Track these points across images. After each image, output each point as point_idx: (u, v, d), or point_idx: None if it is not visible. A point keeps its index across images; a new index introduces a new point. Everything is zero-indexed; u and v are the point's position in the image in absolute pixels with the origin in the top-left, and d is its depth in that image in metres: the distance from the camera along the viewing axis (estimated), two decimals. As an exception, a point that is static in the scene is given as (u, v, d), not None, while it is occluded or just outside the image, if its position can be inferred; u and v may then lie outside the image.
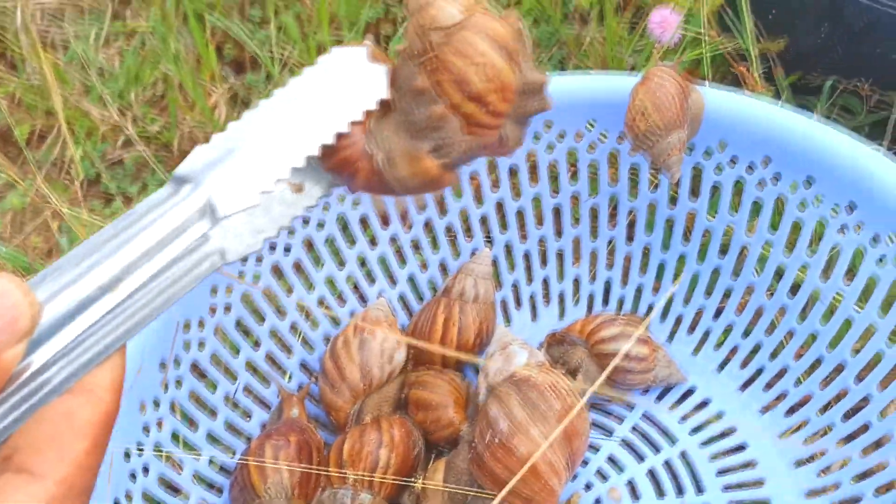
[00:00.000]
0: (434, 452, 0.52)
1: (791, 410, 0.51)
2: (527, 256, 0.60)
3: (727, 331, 0.55)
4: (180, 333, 0.49)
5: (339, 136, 0.28)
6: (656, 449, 0.51)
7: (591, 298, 0.59)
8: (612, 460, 0.51)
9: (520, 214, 0.59)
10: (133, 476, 0.44)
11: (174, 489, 0.48)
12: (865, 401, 0.47)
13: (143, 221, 0.26)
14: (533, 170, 0.57)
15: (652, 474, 0.51)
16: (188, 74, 0.72)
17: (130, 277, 0.26)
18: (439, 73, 0.27)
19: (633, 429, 0.53)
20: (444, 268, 0.60)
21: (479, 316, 0.56)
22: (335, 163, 0.28)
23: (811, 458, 0.49)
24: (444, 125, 0.28)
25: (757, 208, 0.51)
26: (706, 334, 0.56)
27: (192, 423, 0.50)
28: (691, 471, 0.50)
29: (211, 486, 0.50)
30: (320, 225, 0.56)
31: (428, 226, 0.59)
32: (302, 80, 0.28)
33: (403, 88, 0.28)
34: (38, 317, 0.23)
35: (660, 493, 0.50)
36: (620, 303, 0.59)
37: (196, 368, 0.51)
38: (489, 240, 0.60)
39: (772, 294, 0.52)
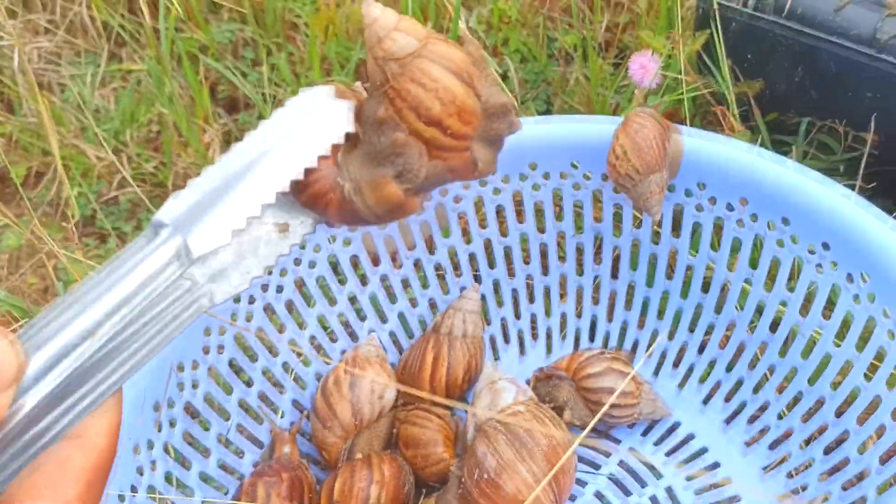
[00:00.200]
0: (424, 489, 0.53)
1: (774, 444, 0.52)
2: (514, 293, 0.61)
3: (711, 365, 0.56)
4: (174, 374, 0.50)
5: (309, 171, 0.29)
6: (642, 484, 0.52)
7: (577, 334, 0.60)
8: (599, 496, 0.52)
9: (507, 252, 0.60)
10: (127, 518, 0.45)
11: (168, 529, 0.48)
12: (845, 435, 0.48)
13: (123, 268, 0.27)
14: (519, 209, 0.59)
15: (638, 509, 0.51)
16: (182, 115, 0.73)
17: (110, 323, 0.27)
18: (397, 101, 0.28)
19: (620, 464, 0.54)
20: (433, 304, 0.61)
21: (468, 353, 0.57)
22: (308, 197, 0.30)
23: (795, 492, 0.50)
24: (406, 151, 0.28)
25: (737, 246, 0.53)
26: (690, 369, 0.57)
27: (185, 463, 0.50)
28: (677, 505, 0.51)
29: (204, 525, 0.51)
30: (312, 265, 0.57)
31: (417, 264, 0.60)
32: (271, 122, 0.29)
33: (368, 121, 0.29)
34: (24, 365, 0.25)
35: (646, 527, 0.51)
36: (606, 338, 0.60)
37: (190, 408, 0.51)
38: (477, 276, 0.61)
39: (753, 329, 0.54)
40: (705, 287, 0.56)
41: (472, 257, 0.60)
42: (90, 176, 0.78)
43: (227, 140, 0.82)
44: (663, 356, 0.58)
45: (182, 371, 0.51)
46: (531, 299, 0.61)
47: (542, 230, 0.59)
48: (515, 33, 0.78)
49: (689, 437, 0.54)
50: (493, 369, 0.55)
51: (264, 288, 0.55)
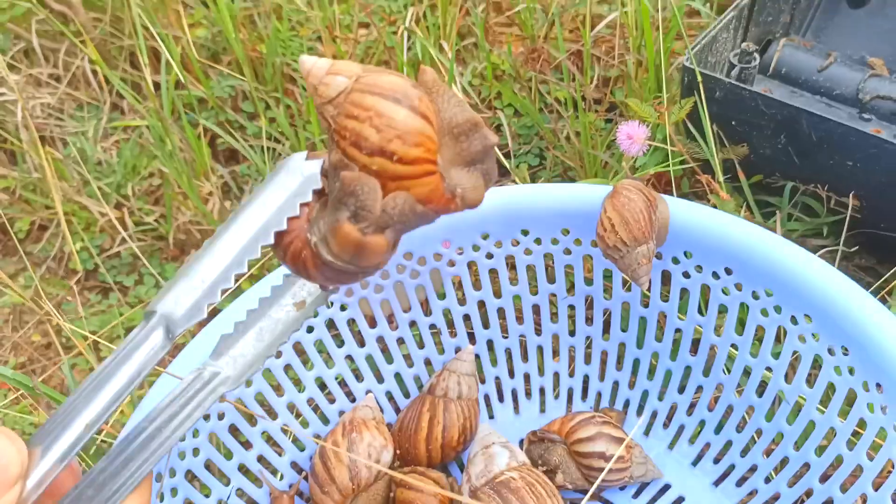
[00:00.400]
0: (420, 553, 0.54)
1: (762, 507, 0.53)
2: (508, 352, 0.62)
3: (700, 426, 0.57)
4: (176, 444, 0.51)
5: (280, 234, 0.30)
6: (634, 546, 0.53)
7: (570, 393, 0.62)
8: (591, 558, 0.53)
9: (501, 312, 0.62)
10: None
11: None
12: (829, 501, 0.49)
13: (120, 362, 0.30)
14: (512, 272, 0.60)
15: (630, 571, 0.52)
16: (183, 171, 0.75)
17: (111, 413, 0.30)
18: (341, 141, 0.28)
19: (612, 525, 0.55)
20: (428, 363, 0.63)
21: (463, 413, 0.58)
22: (289, 260, 0.30)
23: (782, 555, 0.51)
24: (356, 189, 0.28)
25: (723, 311, 0.54)
26: (680, 429, 0.58)
27: (186, 530, 0.51)
28: (668, 567, 0.52)
29: (205, 590, 0.52)
30: (310, 329, 0.58)
31: (413, 325, 0.61)
32: (249, 196, 0.31)
33: (328, 171, 0.29)
34: (27, 461, 0.27)
35: (638, 590, 0.52)
36: (599, 397, 0.61)
37: (190, 474, 0.53)
38: (472, 335, 0.62)
39: (741, 392, 0.55)
40: (694, 349, 0.57)
41: (466, 317, 0.62)
42: (92, 229, 0.79)
43: (227, 191, 0.83)
44: (654, 416, 0.59)
45: (183, 439, 0.52)
46: (525, 358, 0.63)
47: (534, 292, 0.60)
48: (508, 87, 0.80)
49: (680, 500, 0.55)
50: (488, 431, 0.57)
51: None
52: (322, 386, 0.60)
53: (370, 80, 0.28)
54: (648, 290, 0.56)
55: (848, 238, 0.59)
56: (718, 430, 0.56)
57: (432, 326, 0.62)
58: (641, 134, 0.54)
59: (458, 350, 0.62)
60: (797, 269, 0.47)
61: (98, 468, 0.30)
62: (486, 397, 0.62)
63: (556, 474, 0.55)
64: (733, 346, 0.54)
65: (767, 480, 0.53)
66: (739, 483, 0.54)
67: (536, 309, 0.61)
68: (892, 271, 0.54)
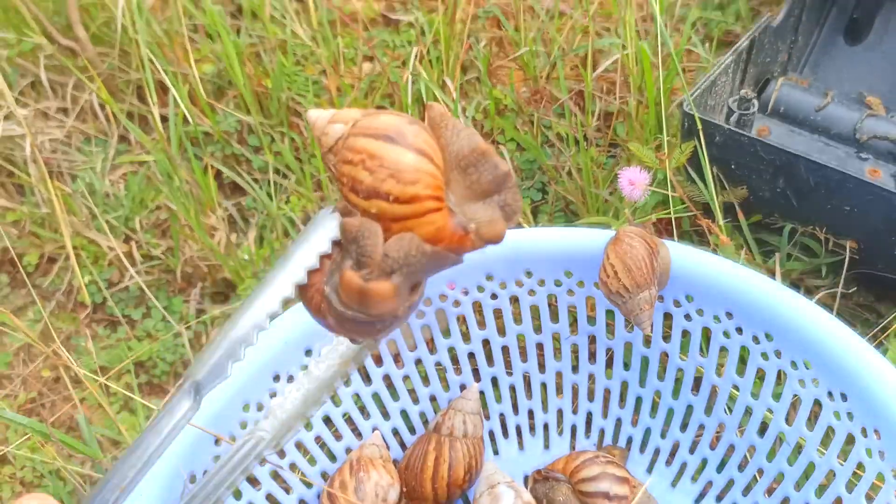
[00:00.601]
0: (427, 592, 0.54)
1: (764, 546, 0.54)
2: (513, 388, 0.63)
3: (703, 464, 0.58)
4: (187, 486, 0.52)
5: (304, 288, 0.30)
6: (638, 585, 0.54)
7: (573, 429, 0.63)
8: None
9: (505, 350, 0.63)
10: None
11: None
12: (830, 542, 0.50)
13: (164, 432, 0.32)
14: (517, 311, 0.61)
15: None
16: (190, 207, 0.76)
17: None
18: (342, 188, 0.27)
19: (616, 564, 0.55)
20: (434, 399, 0.64)
21: (469, 452, 0.59)
22: (313, 313, 0.30)
23: None
24: (359, 235, 0.27)
25: (725, 353, 0.55)
26: (683, 467, 0.59)
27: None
28: None
29: None
30: (317, 369, 0.59)
31: (419, 362, 0.62)
32: (281, 255, 0.32)
33: (339, 221, 0.29)
34: None
35: None
36: (602, 433, 0.62)
37: (200, 515, 0.53)
38: (476, 371, 0.63)
39: (742, 432, 0.56)
40: (696, 388, 0.58)
41: (471, 355, 0.63)
42: (101, 263, 0.80)
43: (232, 222, 0.84)
44: (656, 453, 0.60)
45: (193, 482, 0.53)
46: (529, 395, 0.63)
47: (538, 330, 0.61)
48: (510, 122, 0.81)
49: (682, 538, 0.56)
50: (493, 470, 0.58)
51: (272, 394, 0.57)
52: (328, 423, 0.61)
53: (364, 122, 0.28)
54: (650, 333, 0.57)
55: (846, 277, 0.60)
56: (721, 468, 0.57)
57: (437, 364, 0.63)
58: (643, 180, 0.55)
59: (463, 387, 0.63)
60: (796, 317, 0.49)
61: None
62: (491, 433, 0.63)
63: (561, 514, 0.56)
64: (735, 386, 0.55)
65: (769, 520, 0.54)
66: (741, 522, 0.55)
67: (540, 347, 0.62)
68: (893, 315, 0.56)
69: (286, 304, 0.32)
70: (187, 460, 0.52)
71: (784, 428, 0.53)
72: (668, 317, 0.57)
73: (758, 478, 0.55)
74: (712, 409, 0.57)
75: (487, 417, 0.63)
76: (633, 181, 0.55)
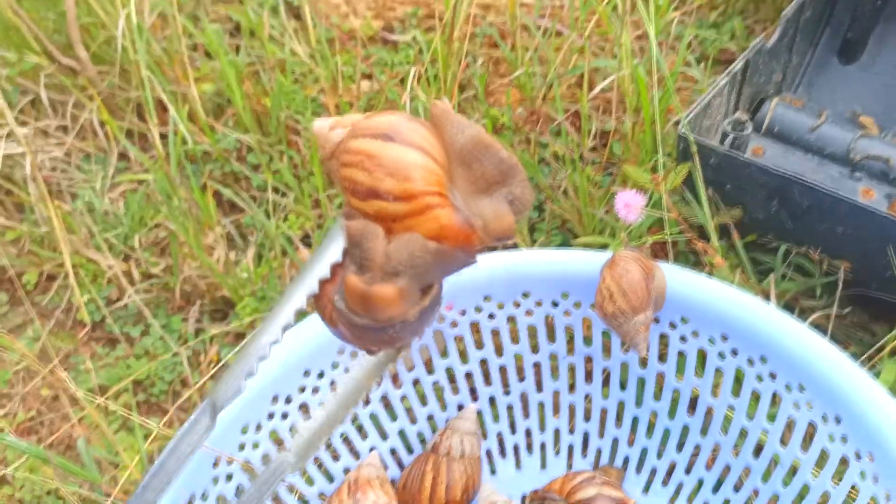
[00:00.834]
0: None
1: (759, 567, 0.54)
2: (510, 408, 0.64)
3: (699, 485, 0.58)
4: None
5: (317, 298, 0.30)
6: None
7: (570, 449, 0.63)
8: None
9: (502, 370, 0.63)
10: None
11: None
12: (825, 564, 0.50)
13: (179, 449, 0.33)
14: (514, 331, 0.62)
15: None
16: (189, 226, 0.77)
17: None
18: (344, 192, 0.27)
19: (613, 584, 0.56)
20: (431, 419, 0.64)
21: (466, 472, 0.59)
22: (327, 323, 0.30)
23: None
24: (359, 239, 0.26)
25: (720, 374, 0.56)
26: (679, 487, 0.59)
27: None
28: None
29: None
30: (315, 390, 0.59)
31: (417, 382, 0.63)
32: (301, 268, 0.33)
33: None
34: None
35: None
36: (598, 453, 0.62)
37: (199, 537, 0.54)
38: (474, 390, 0.64)
39: (737, 453, 0.56)
40: (691, 409, 0.58)
41: (468, 375, 0.63)
42: (100, 281, 0.81)
43: (230, 239, 0.85)
44: (653, 473, 0.60)
45: (193, 503, 0.53)
46: (526, 414, 0.64)
47: (535, 350, 0.62)
48: (507, 140, 0.82)
49: (679, 559, 0.56)
50: (490, 491, 0.58)
51: (270, 416, 0.57)
52: (327, 444, 0.61)
53: (362, 124, 0.27)
54: (646, 355, 0.57)
55: (841, 297, 0.60)
56: (716, 489, 0.58)
57: (435, 384, 0.63)
58: (639, 203, 0.56)
59: (460, 407, 0.63)
60: (791, 341, 0.49)
61: None
62: (489, 453, 0.64)
63: (558, 534, 0.56)
64: (730, 407, 0.56)
65: (764, 541, 0.54)
66: (737, 543, 0.56)
67: (537, 367, 0.63)
68: (888, 336, 0.56)
69: (301, 316, 0.32)
70: (187, 482, 0.52)
71: (779, 449, 0.53)
72: (663, 338, 0.57)
73: (753, 498, 0.55)
74: (708, 430, 0.57)
75: (485, 437, 0.64)
76: (629, 204, 0.56)
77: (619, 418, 0.62)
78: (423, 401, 0.63)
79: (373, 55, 0.94)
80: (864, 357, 0.59)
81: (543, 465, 0.63)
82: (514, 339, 0.61)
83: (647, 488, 0.60)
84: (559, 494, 0.57)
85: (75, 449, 0.70)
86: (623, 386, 0.61)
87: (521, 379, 0.63)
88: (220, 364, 0.74)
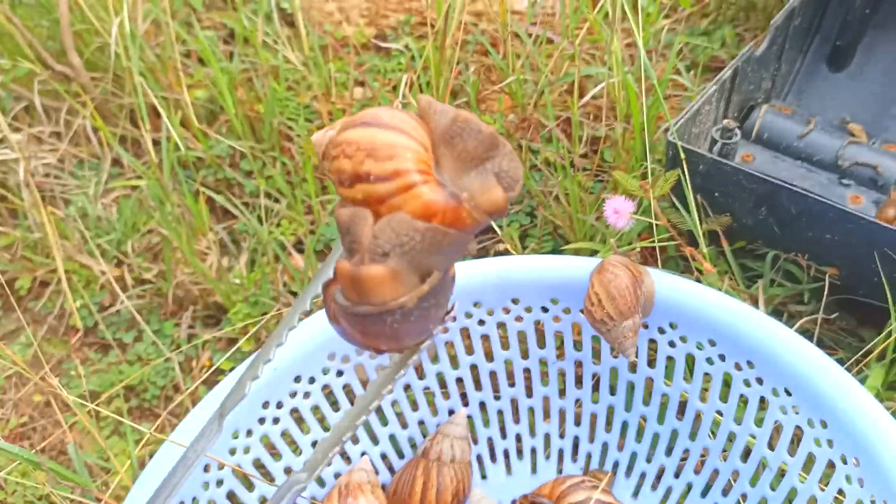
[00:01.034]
0: None
1: (747, 571, 0.55)
2: (500, 413, 0.64)
3: (688, 488, 0.59)
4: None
5: (322, 297, 0.30)
6: None
7: (560, 454, 0.63)
8: None
9: (493, 375, 0.63)
10: None
11: None
12: (812, 567, 0.51)
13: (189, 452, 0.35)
14: (504, 337, 0.62)
15: None
16: (182, 233, 0.77)
17: None
18: (335, 185, 0.27)
19: (602, 589, 0.56)
20: (422, 423, 0.64)
21: (456, 477, 0.59)
22: (330, 322, 0.30)
23: None
24: (350, 224, 0.27)
25: (708, 379, 0.56)
26: (668, 492, 0.59)
27: None
28: None
29: None
30: (306, 395, 0.59)
31: (408, 388, 0.63)
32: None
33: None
34: None
35: None
36: (589, 458, 0.63)
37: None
38: (464, 395, 0.64)
39: (726, 457, 0.57)
40: (680, 413, 0.59)
41: (459, 380, 0.63)
42: (92, 287, 0.81)
43: (223, 246, 0.85)
44: (642, 478, 0.60)
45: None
46: (516, 419, 0.64)
47: (525, 356, 0.62)
48: (500, 147, 0.82)
49: (668, 563, 0.57)
50: (481, 495, 0.58)
51: (261, 421, 0.57)
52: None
53: (346, 119, 0.28)
54: (635, 360, 0.58)
55: (829, 302, 0.61)
56: (705, 493, 0.58)
57: (426, 389, 0.63)
58: (628, 209, 0.56)
59: (451, 412, 0.63)
60: (777, 346, 0.49)
61: None
62: (479, 458, 0.64)
63: (548, 539, 0.56)
64: (718, 412, 0.56)
65: (752, 545, 0.55)
66: (725, 547, 0.56)
67: (527, 372, 0.63)
68: (875, 341, 0.56)
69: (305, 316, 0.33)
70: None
71: (766, 453, 0.54)
72: (652, 343, 0.58)
73: (741, 503, 0.56)
74: (696, 434, 0.58)
75: (475, 442, 0.64)
76: (618, 210, 0.56)
77: (608, 423, 0.62)
78: (414, 406, 0.63)
79: (366, 62, 0.95)
80: (851, 361, 0.60)
81: (534, 470, 0.63)
82: (505, 344, 0.62)
83: (636, 492, 0.60)
84: (549, 499, 0.57)
85: (67, 454, 0.70)
86: (613, 391, 0.61)
87: (512, 384, 0.63)
88: (212, 369, 0.74)
